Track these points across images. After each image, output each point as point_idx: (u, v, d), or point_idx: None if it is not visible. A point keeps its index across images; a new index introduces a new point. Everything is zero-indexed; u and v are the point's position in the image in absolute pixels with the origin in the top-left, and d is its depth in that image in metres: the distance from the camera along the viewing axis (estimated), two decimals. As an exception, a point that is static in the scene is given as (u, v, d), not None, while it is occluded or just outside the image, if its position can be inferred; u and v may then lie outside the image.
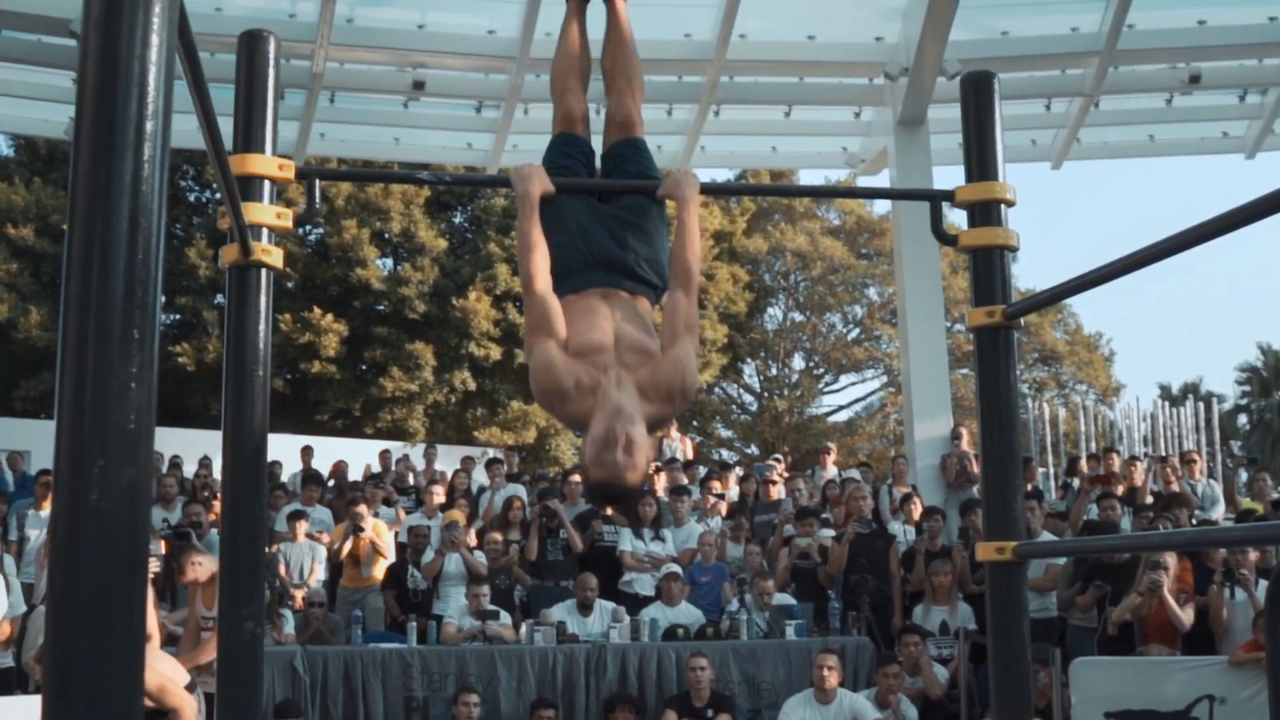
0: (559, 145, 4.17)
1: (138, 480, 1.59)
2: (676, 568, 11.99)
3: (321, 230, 28.48)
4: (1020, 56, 15.67)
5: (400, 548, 12.74)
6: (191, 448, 17.11)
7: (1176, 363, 72.40)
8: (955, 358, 25.36)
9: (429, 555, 12.14)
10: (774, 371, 35.91)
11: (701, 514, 13.48)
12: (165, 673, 7.76)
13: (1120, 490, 13.27)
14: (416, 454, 19.33)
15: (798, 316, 35.97)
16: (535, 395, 3.79)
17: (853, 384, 36.35)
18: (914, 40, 14.88)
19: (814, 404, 36.15)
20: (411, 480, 15.76)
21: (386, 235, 28.67)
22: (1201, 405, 21.97)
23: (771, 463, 16.57)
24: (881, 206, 34.20)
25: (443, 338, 27.70)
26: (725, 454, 34.83)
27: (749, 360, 35.33)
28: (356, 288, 27.71)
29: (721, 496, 14.15)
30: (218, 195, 27.04)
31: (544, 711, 10.03)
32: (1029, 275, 56.59)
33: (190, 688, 8.00)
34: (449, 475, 15.37)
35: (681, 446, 17.86)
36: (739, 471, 16.88)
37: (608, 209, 4.03)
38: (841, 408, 36.59)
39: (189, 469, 16.23)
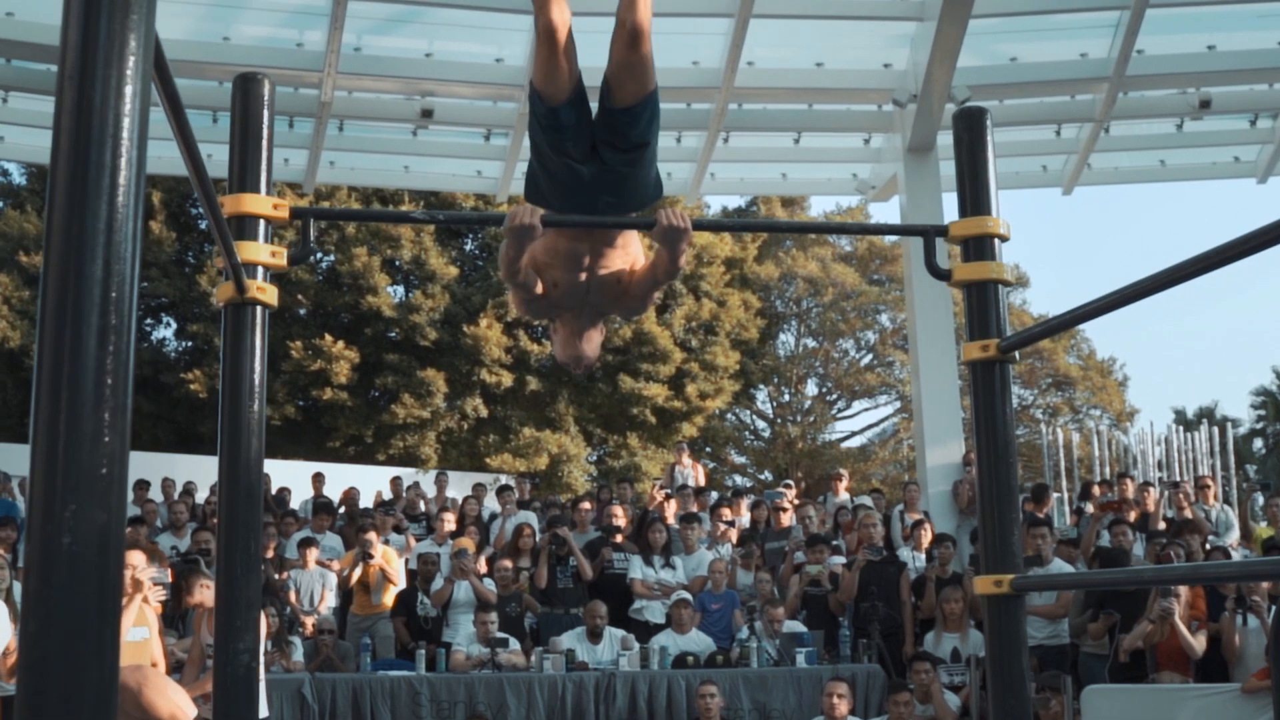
0: (544, 122, 4.00)
1: (110, 525, 1.60)
2: (687, 595, 11.97)
3: (333, 258, 28.58)
4: (1029, 82, 15.71)
5: (410, 575, 12.74)
6: (203, 474, 17.14)
7: (1191, 387, 72.22)
8: (967, 384, 25.31)
9: (438, 583, 12.14)
10: (787, 398, 35.90)
11: (712, 541, 13.47)
12: (178, 702, 7.77)
13: (1133, 516, 13.22)
14: (428, 481, 19.34)
15: (810, 343, 35.98)
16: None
17: (866, 410, 36.42)
18: (922, 67, 14.90)
19: (827, 430, 36.16)
20: (422, 507, 15.76)
21: (397, 263, 28.75)
22: (1216, 430, 21.92)
23: (782, 489, 16.56)
24: (895, 231, 34.19)
25: (454, 364, 27.74)
26: (739, 480, 34.83)
27: (762, 386, 35.33)
28: (368, 315, 27.78)
29: (732, 524, 14.13)
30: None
31: (553, 740, 10.03)
32: (1040, 301, 56.53)
33: None
34: (460, 502, 15.38)
35: (693, 473, 17.83)
36: (751, 498, 16.85)
37: (604, 159, 4.00)
38: (855, 433, 36.62)
39: (201, 495, 16.27)
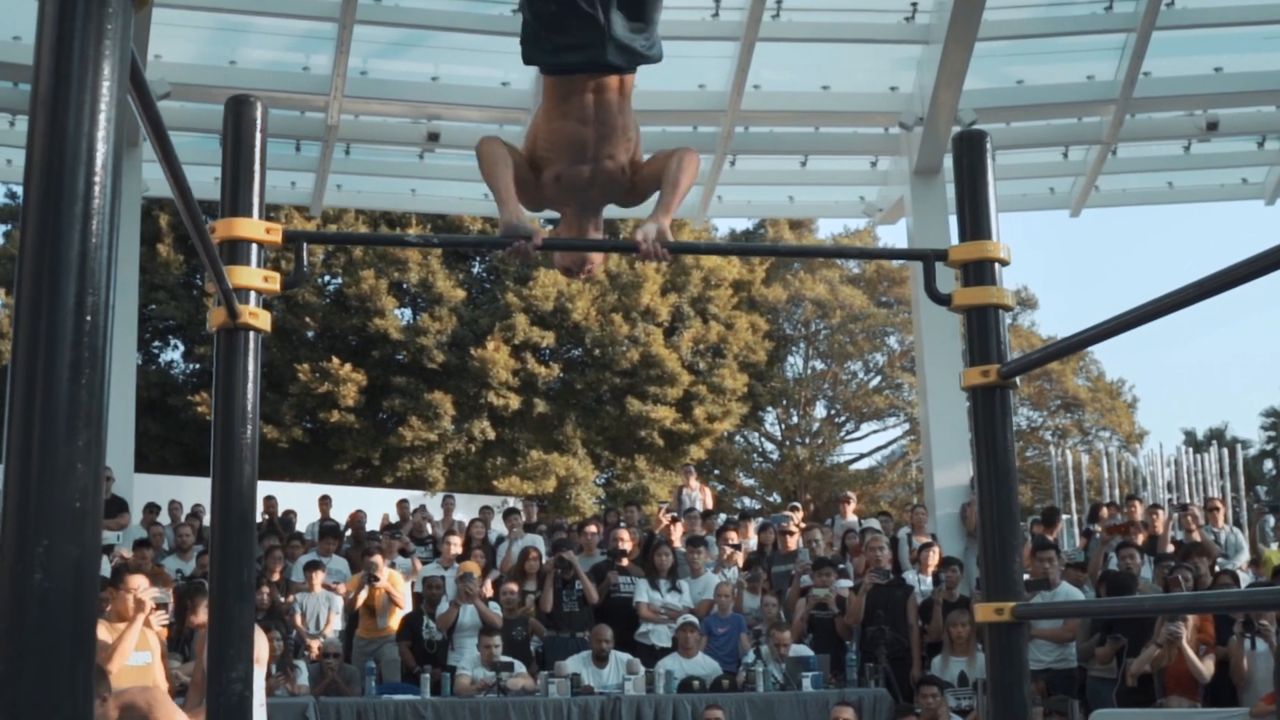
0: None
1: (83, 560, 1.57)
2: (693, 619, 11.93)
3: (340, 281, 28.61)
4: (1036, 105, 15.70)
5: (416, 599, 12.71)
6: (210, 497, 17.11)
7: (1201, 408, 71.94)
8: (976, 405, 25.21)
9: (444, 606, 12.11)
10: (795, 420, 35.85)
11: (718, 564, 13.43)
12: (184, 726, 7.73)
13: (1141, 539, 13.16)
14: (435, 504, 19.32)
15: (818, 365, 35.95)
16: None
17: (874, 432, 36.32)
18: (928, 90, 14.90)
19: (835, 452, 36.09)
20: (429, 530, 15.73)
21: (405, 285, 28.77)
22: (1226, 451, 21.83)
23: (788, 513, 16.51)
24: (901, 253, 34.13)
25: (461, 387, 27.73)
26: (747, 502, 34.76)
27: (770, 409, 35.28)
28: (375, 337, 27.79)
29: (738, 547, 14.09)
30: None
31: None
32: (1049, 323, 56.41)
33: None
34: (466, 525, 15.35)
35: (701, 496, 17.77)
36: (759, 520, 16.79)
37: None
38: (863, 456, 36.54)
39: (209, 518, 16.20)
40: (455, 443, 28.18)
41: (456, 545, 13.77)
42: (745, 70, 14.87)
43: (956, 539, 14.62)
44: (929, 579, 12.56)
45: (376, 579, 12.32)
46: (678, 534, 14.33)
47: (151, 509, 14.74)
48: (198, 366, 29.24)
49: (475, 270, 30.52)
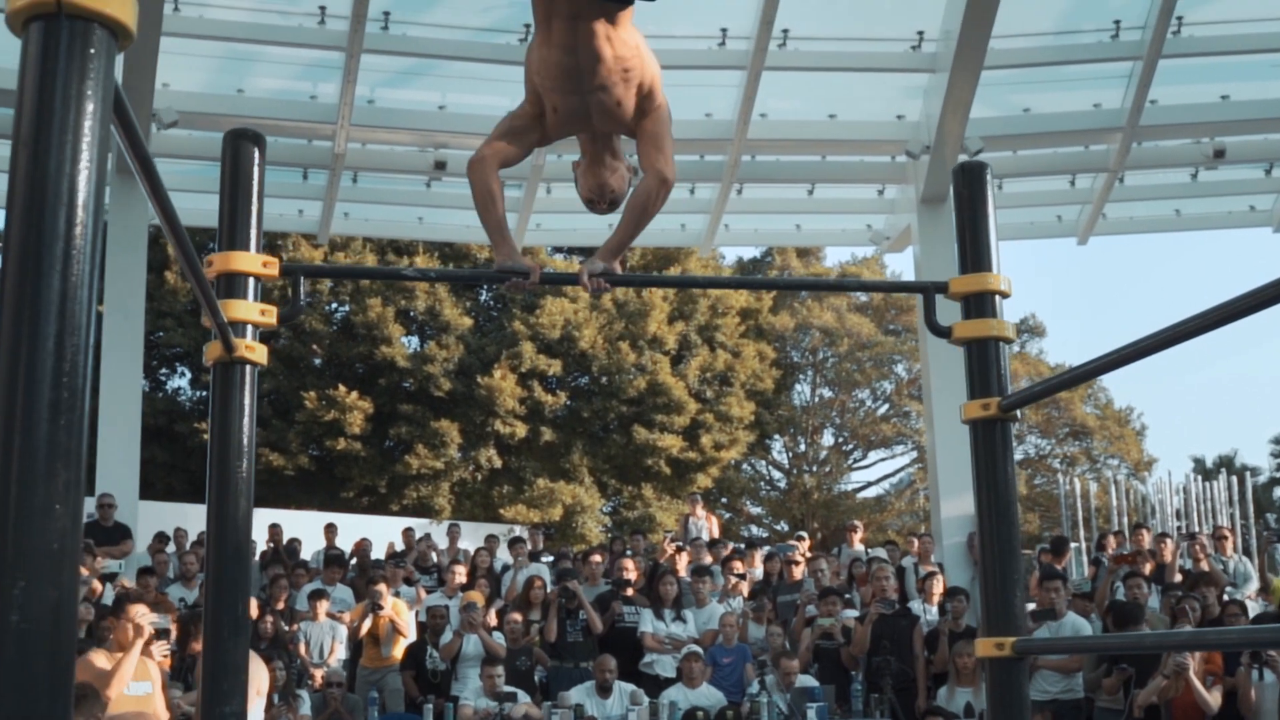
0: None
1: (61, 602, 1.56)
2: (698, 649, 11.88)
3: (347, 308, 28.65)
4: (1043, 133, 15.70)
5: (420, 628, 12.68)
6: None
7: (1210, 436, 71.84)
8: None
9: (448, 636, 12.07)
10: (803, 448, 35.81)
11: (723, 594, 13.38)
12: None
13: (1148, 569, 13.10)
14: (440, 532, 19.28)
15: (826, 393, 35.91)
16: None
17: (882, 460, 36.31)
18: (935, 118, 14.90)
19: (843, 480, 36.03)
20: (434, 559, 15.70)
21: (412, 313, 28.79)
22: (1235, 479, 21.78)
23: (794, 542, 16.47)
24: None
25: (468, 415, 27.73)
26: (755, 530, 34.70)
27: (777, 437, 35.24)
28: (382, 365, 27.80)
29: (743, 576, 14.04)
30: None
31: (561, 797, 9.92)
32: (1057, 350, 56.41)
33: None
34: (472, 554, 15.32)
35: (708, 525, 17.74)
36: (766, 549, 16.75)
37: None
38: (871, 484, 36.48)
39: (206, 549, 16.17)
40: (461, 471, 28.17)
41: (461, 574, 13.75)
42: (752, 99, 14.88)
43: (964, 568, 14.56)
44: (934, 608, 12.51)
45: (380, 608, 12.29)
46: (683, 563, 14.28)
47: (160, 538, 14.74)
48: (205, 394, 29.24)
49: (482, 298, 30.56)
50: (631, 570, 13.58)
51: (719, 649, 12.13)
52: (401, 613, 12.54)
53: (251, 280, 3.39)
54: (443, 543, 17.03)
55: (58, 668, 1.56)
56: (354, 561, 15.46)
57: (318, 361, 28.56)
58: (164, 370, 30.61)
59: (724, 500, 34.14)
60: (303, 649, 12.23)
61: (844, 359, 34.56)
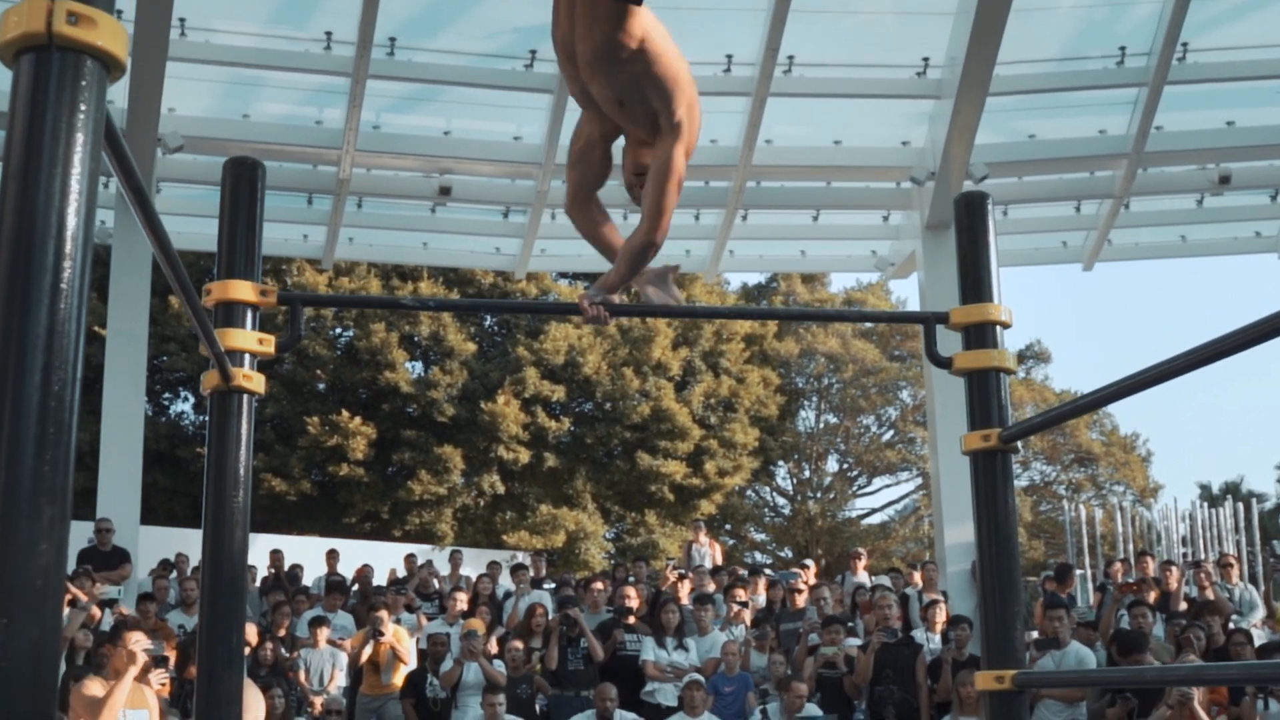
0: None
1: (43, 641, 1.54)
2: (700, 677, 11.82)
3: (351, 333, 28.65)
4: (1048, 159, 15.70)
5: (420, 656, 12.62)
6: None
7: (1216, 462, 71.65)
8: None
9: (448, 664, 12.02)
10: (807, 474, 35.76)
11: (725, 622, 13.32)
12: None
13: (1153, 597, 13.05)
14: (442, 558, 19.24)
15: (831, 419, 35.89)
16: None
17: (886, 486, 36.22)
18: (940, 144, 14.90)
19: (847, 507, 35.96)
20: (435, 586, 15.65)
21: (416, 338, 28.79)
22: (1241, 505, 21.73)
23: (797, 570, 16.41)
24: (911, 309, 34.18)
25: (471, 441, 27.69)
26: (759, 557, 34.62)
27: (781, 463, 35.19)
28: (385, 391, 27.79)
29: (745, 604, 13.98)
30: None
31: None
32: (1062, 376, 56.34)
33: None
34: (474, 580, 15.26)
35: (711, 552, 17.70)
36: (769, 574, 16.68)
37: None
38: (875, 510, 36.43)
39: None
40: (465, 496, 28.13)
41: (462, 601, 13.69)
42: (757, 125, 14.90)
43: (968, 595, 14.49)
44: (938, 637, 12.45)
45: (381, 634, 12.23)
46: (685, 590, 14.23)
47: (165, 566, 14.71)
48: (206, 419, 29.27)
49: (487, 324, 30.56)
50: (634, 598, 13.52)
51: (721, 677, 12.08)
52: (402, 640, 12.48)
53: (249, 309, 3.38)
54: (445, 569, 16.99)
55: (39, 706, 1.54)
56: (355, 588, 15.41)
57: (321, 386, 28.54)
58: (167, 395, 30.60)
59: (728, 527, 34.07)
60: (302, 676, 12.17)
61: (849, 385, 34.54)
